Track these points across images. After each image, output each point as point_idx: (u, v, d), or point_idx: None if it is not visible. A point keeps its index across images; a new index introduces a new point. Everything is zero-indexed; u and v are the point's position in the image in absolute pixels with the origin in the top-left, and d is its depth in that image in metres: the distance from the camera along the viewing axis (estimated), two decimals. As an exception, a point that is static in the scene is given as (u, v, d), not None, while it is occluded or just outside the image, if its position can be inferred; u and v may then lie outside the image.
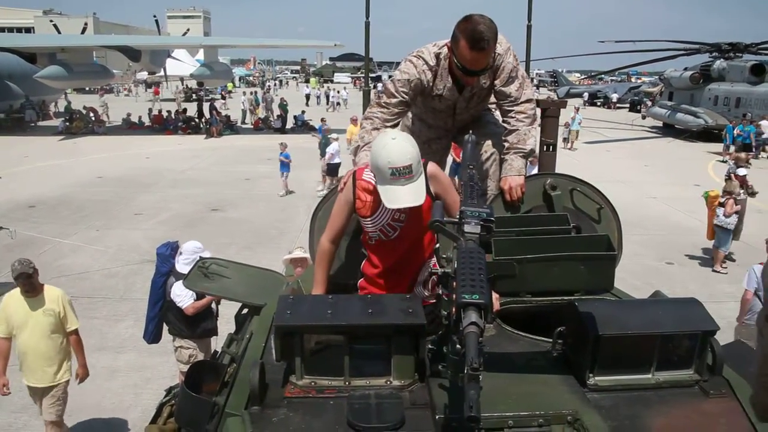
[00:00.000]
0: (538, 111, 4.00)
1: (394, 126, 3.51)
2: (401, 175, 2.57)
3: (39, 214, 14.79)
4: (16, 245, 12.29)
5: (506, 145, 3.57)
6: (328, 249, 3.05)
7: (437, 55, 3.40)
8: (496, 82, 3.48)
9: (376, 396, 2.08)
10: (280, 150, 17.38)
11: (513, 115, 3.53)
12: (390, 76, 3.49)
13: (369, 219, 2.87)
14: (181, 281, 5.79)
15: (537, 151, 3.81)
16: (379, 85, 35.90)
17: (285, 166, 17.18)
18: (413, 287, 2.83)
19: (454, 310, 1.72)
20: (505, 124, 3.62)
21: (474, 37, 3.04)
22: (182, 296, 5.90)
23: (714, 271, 11.57)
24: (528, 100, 3.55)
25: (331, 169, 17.41)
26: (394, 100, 3.45)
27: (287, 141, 19.28)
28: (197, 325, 6.11)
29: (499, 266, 2.12)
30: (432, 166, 2.84)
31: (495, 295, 2.84)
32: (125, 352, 7.95)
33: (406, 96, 3.44)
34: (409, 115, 4.03)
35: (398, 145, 2.60)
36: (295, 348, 2.15)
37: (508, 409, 2.02)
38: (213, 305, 6.25)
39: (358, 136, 3.56)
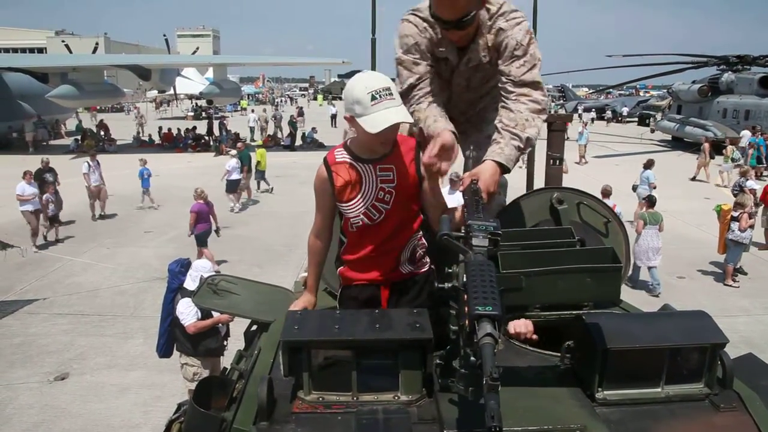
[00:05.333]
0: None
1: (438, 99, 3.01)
2: (382, 97, 2.42)
3: (50, 233, 14.88)
4: (28, 263, 12.42)
5: (498, 125, 2.79)
6: (313, 245, 2.87)
7: None
8: (499, 61, 2.86)
9: (384, 411, 2.07)
10: (140, 166, 17.55)
11: (513, 97, 2.81)
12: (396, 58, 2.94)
13: (351, 202, 2.66)
14: (186, 299, 5.87)
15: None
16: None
17: (145, 180, 17.33)
18: (398, 266, 2.71)
19: (467, 322, 1.71)
20: (501, 109, 2.85)
21: None
22: (185, 314, 5.98)
23: (725, 284, 11.47)
24: (534, 83, 2.81)
25: (230, 186, 17.66)
26: (420, 69, 2.92)
27: (296, 158, 19.44)
28: (200, 343, 6.17)
29: (505, 280, 2.11)
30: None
31: (528, 321, 2.70)
32: (135, 369, 7.97)
33: (423, 61, 2.93)
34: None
35: (370, 73, 2.55)
36: (302, 363, 2.14)
37: (516, 423, 2.00)
38: (220, 325, 6.30)
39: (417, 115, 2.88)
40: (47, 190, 14.03)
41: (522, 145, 2.73)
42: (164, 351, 6.45)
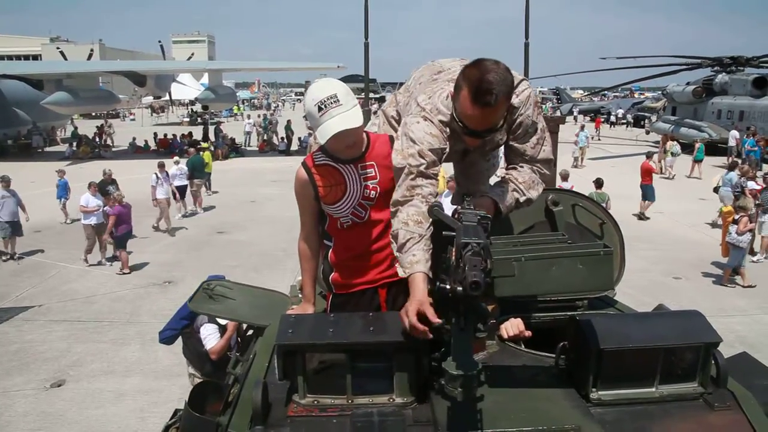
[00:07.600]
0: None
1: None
2: (327, 106, 2.50)
3: (45, 239, 14.85)
4: (23, 270, 12.39)
5: (507, 176, 2.79)
6: (305, 250, 2.92)
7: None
8: (510, 137, 2.75)
9: (379, 414, 2.07)
10: (58, 177, 16.92)
11: (525, 167, 2.78)
12: (411, 140, 2.53)
13: (338, 204, 2.70)
14: (211, 324, 5.75)
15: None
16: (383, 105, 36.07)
17: (63, 191, 16.69)
18: (394, 264, 2.60)
19: (454, 255, 1.84)
20: (511, 170, 2.83)
21: (480, 88, 2.29)
22: (207, 337, 5.79)
23: (722, 285, 11.49)
24: (546, 161, 2.80)
25: (179, 191, 17.44)
26: (434, 170, 2.57)
27: (292, 163, 19.35)
28: (207, 365, 6.02)
29: (497, 266, 2.10)
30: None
31: (518, 320, 2.78)
32: (132, 375, 7.94)
33: (439, 163, 2.61)
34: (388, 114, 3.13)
35: (320, 83, 2.59)
36: (297, 367, 2.15)
37: (511, 424, 2.01)
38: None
39: (402, 228, 2.42)
40: (107, 203, 13.16)
41: (521, 201, 2.75)
42: (165, 341, 6.25)
